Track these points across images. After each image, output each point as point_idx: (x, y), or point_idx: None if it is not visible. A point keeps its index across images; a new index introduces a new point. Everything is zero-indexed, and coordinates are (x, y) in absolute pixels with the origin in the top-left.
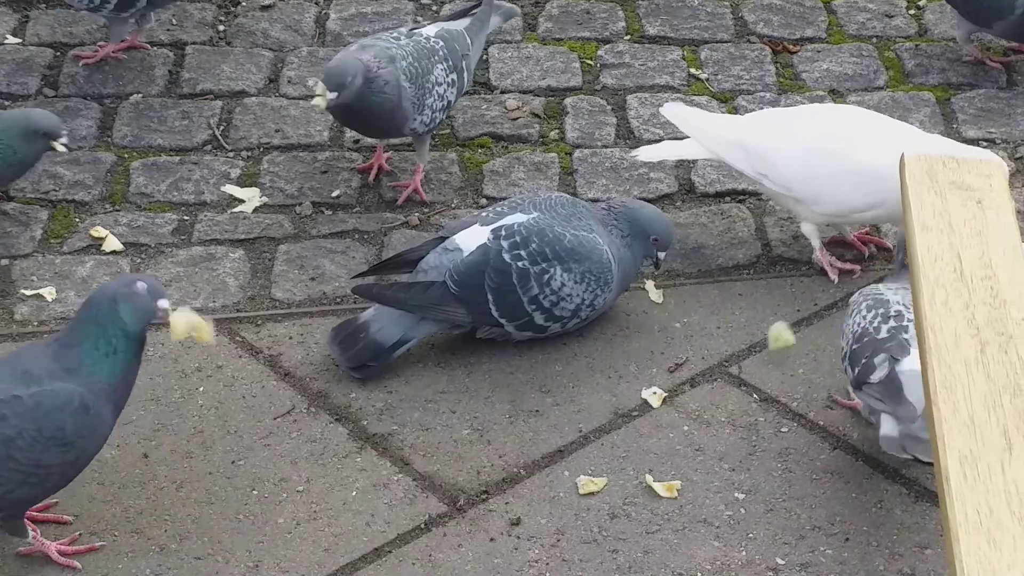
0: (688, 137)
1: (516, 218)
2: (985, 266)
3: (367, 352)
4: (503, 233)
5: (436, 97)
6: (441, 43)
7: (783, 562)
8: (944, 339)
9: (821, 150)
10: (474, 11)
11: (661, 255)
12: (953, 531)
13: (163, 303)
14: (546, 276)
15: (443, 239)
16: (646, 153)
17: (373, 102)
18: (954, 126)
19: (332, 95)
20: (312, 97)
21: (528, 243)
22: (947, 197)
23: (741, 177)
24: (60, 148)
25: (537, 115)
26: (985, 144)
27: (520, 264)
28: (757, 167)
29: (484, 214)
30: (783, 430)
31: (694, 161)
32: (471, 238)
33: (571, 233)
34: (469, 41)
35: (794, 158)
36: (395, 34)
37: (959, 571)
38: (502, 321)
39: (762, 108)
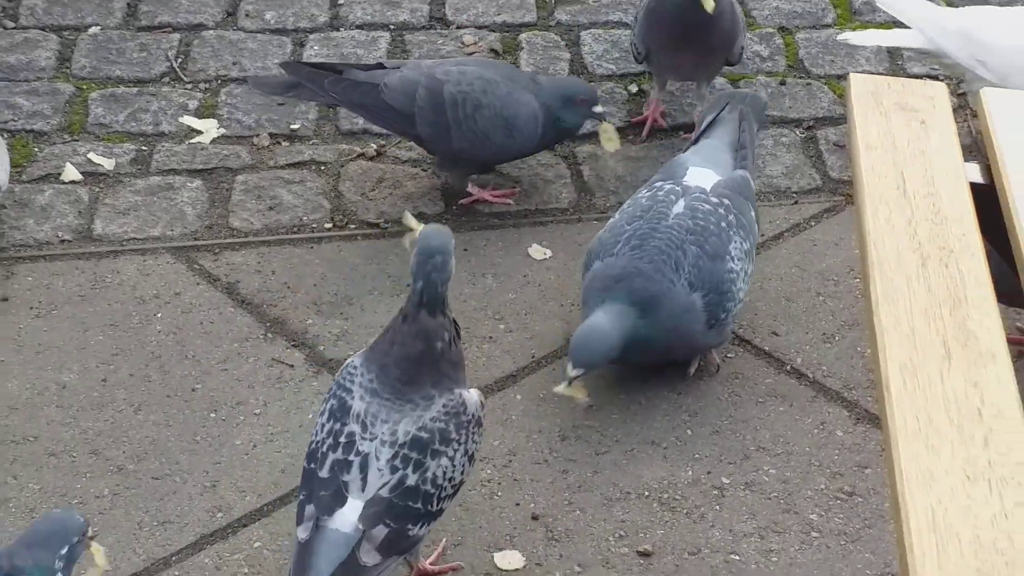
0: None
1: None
2: (928, 184)
3: None
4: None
5: None
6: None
7: (728, 481)
8: (886, 254)
9: None
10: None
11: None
12: (893, 438)
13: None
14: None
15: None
16: (857, 38)
17: None
18: (899, 63)
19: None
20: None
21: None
22: (891, 117)
23: (944, 65)
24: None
25: (494, 50)
26: None
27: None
28: (976, 54)
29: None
30: (729, 355)
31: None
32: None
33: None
34: None
35: (1018, 52)
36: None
37: (898, 477)
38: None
39: None
